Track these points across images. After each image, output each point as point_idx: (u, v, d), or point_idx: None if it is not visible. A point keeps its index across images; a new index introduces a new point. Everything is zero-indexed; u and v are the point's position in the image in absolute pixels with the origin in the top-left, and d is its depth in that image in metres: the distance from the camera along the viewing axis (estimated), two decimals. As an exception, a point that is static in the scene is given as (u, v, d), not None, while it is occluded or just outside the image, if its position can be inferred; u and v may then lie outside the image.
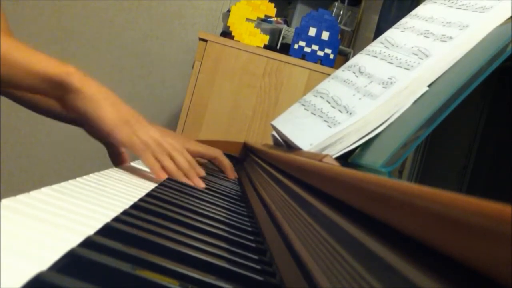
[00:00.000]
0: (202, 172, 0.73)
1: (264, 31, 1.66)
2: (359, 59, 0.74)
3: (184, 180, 0.68)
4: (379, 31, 1.44)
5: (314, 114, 0.70)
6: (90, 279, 0.24)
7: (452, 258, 0.15)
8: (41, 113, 0.88)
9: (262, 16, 1.66)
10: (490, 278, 0.13)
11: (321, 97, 0.73)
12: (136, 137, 0.66)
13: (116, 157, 0.81)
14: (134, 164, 0.80)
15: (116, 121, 0.66)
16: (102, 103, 0.65)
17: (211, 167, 0.98)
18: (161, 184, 0.61)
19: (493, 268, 0.13)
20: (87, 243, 0.29)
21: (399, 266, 0.19)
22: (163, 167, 0.67)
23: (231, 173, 0.95)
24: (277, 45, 1.73)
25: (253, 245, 0.41)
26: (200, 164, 0.93)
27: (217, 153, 0.96)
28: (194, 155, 0.93)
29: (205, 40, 1.55)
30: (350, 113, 0.63)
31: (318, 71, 1.56)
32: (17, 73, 0.64)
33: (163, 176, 0.66)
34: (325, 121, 0.66)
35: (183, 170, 0.69)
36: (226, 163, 0.95)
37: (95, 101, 0.65)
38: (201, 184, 0.70)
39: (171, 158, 0.69)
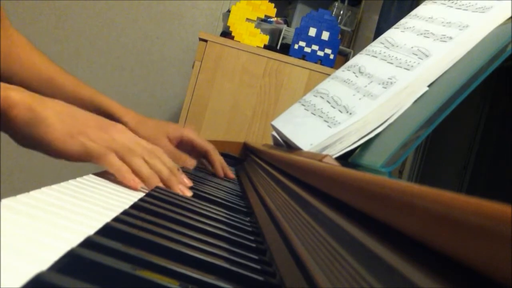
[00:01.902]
0: (187, 182, 0.63)
1: (264, 31, 1.66)
2: (359, 59, 0.74)
3: (160, 185, 0.59)
4: (379, 31, 1.44)
5: (314, 114, 0.70)
6: (90, 279, 0.24)
7: (452, 258, 0.15)
8: None
9: (262, 16, 1.66)
10: (490, 278, 0.13)
11: (321, 97, 0.73)
12: (92, 142, 0.56)
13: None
14: None
15: (66, 135, 0.56)
16: (49, 120, 0.56)
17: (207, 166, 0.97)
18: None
19: (493, 268, 0.13)
20: (87, 243, 0.29)
21: (399, 266, 0.19)
22: (134, 172, 0.57)
23: (219, 170, 0.88)
24: (277, 45, 1.73)
25: (253, 245, 0.41)
26: (200, 166, 0.92)
27: (209, 147, 0.90)
28: (186, 142, 0.89)
29: (205, 40, 1.55)
30: (350, 113, 0.63)
31: (318, 71, 1.56)
32: None
33: (135, 183, 0.55)
34: (325, 121, 0.66)
35: (162, 176, 0.60)
36: (216, 158, 0.89)
37: (40, 120, 0.56)
38: (187, 193, 0.60)
39: (146, 163, 0.59)
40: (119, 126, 0.61)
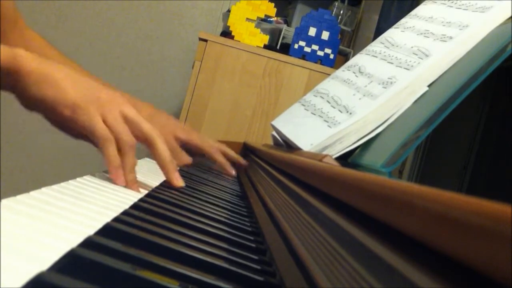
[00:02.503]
0: (187, 159, 0.61)
1: (264, 31, 1.66)
2: (359, 59, 0.74)
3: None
4: (379, 31, 1.44)
5: (314, 114, 0.70)
6: (90, 279, 0.24)
7: (452, 258, 0.15)
8: None
9: (262, 16, 1.66)
10: (490, 278, 0.13)
11: (321, 97, 0.73)
12: (99, 119, 0.54)
13: None
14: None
15: (77, 100, 0.54)
16: (61, 82, 0.54)
17: (209, 166, 0.97)
18: (161, 184, 0.61)
19: (493, 268, 0.13)
20: (87, 243, 0.29)
21: (399, 266, 0.19)
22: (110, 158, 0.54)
23: (229, 170, 0.91)
24: (277, 45, 1.73)
25: (253, 245, 0.41)
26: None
27: (210, 150, 0.88)
28: (195, 148, 0.90)
29: (205, 40, 1.55)
30: (350, 113, 0.63)
31: (318, 71, 1.56)
32: None
33: (121, 182, 0.53)
34: (325, 121, 0.66)
35: (162, 161, 0.59)
36: (223, 162, 0.90)
37: (52, 82, 0.54)
38: (179, 183, 0.59)
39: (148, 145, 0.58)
40: (125, 97, 0.59)
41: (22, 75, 0.54)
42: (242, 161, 0.95)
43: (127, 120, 0.56)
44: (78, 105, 0.54)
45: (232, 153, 0.94)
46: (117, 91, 0.61)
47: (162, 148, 0.59)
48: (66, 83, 0.54)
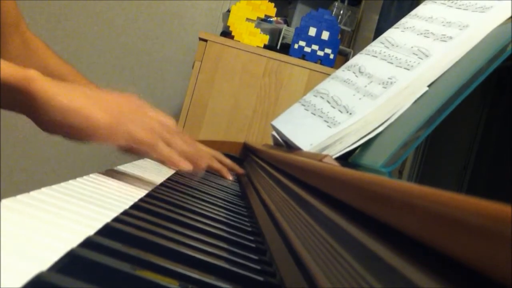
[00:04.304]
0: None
1: (264, 31, 1.66)
2: (359, 59, 0.74)
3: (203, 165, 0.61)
4: (379, 31, 1.44)
5: (314, 114, 0.70)
6: (90, 279, 0.24)
7: (452, 258, 0.15)
8: None
9: (262, 16, 1.66)
10: (490, 278, 0.13)
11: (321, 97, 0.73)
12: (139, 132, 0.56)
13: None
14: (136, 163, 0.80)
15: (107, 127, 0.54)
16: (86, 109, 0.53)
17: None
18: (161, 184, 0.61)
19: (493, 268, 0.13)
20: (87, 243, 0.29)
21: (399, 266, 0.19)
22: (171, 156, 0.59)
23: (227, 175, 0.88)
24: (277, 45, 1.73)
25: (253, 245, 0.41)
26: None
27: (218, 168, 0.84)
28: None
29: (205, 40, 1.55)
30: (350, 113, 0.63)
31: (318, 71, 1.56)
32: None
33: (188, 165, 0.58)
34: (325, 121, 0.66)
35: (187, 157, 0.61)
36: (218, 167, 0.87)
37: (75, 109, 0.53)
38: (186, 166, 0.61)
39: (169, 144, 0.60)
40: (141, 102, 0.61)
41: (37, 99, 0.52)
42: (238, 169, 0.92)
43: (156, 125, 0.59)
44: (111, 132, 0.54)
45: (227, 161, 0.91)
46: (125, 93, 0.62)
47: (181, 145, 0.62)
48: (91, 108, 0.54)
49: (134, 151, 0.59)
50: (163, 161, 0.57)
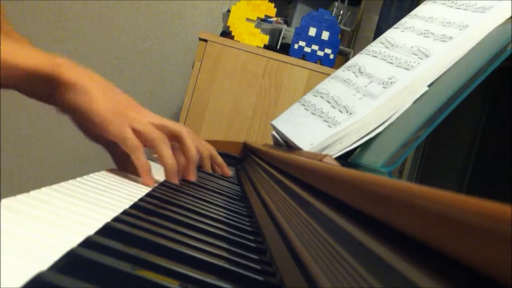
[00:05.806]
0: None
1: (264, 31, 1.66)
2: (359, 59, 0.74)
3: (176, 180, 0.62)
4: (379, 31, 1.44)
5: (314, 114, 0.70)
6: (90, 279, 0.24)
7: (452, 258, 0.15)
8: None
9: (262, 16, 1.66)
10: (490, 278, 0.13)
11: (321, 97, 0.73)
12: (130, 130, 0.58)
13: (120, 160, 0.65)
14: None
15: (108, 112, 0.57)
16: (94, 93, 0.57)
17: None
18: (161, 184, 0.61)
19: (493, 268, 0.13)
20: (87, 243, 0.29)
21: (399, 266, 0.19)
22: (160, 158, 0.60)
23: (225, 171, 0.88)
24: (277, 45, 1.73)
25: (253, 245, 0.41)
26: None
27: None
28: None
29: (205, 40, 1.55)
30: (350, 113, 0.63)
31: (318, 71, 1.56)
32: None
33: (150, 182, 0.58)
34: (325, 121, 0.66)
35: (190, 156, 0.64)
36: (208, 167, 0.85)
37: (86, 92, 0.57)
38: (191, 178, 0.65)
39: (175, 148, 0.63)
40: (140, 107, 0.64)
41: (61, 83, 0.56)
42: (226, 170, 0.90)
43: (154, 125, 0.61)
44: (107, 116, 0.57)
45: (218, 159, 0.90)
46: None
47: (190, 143, 0.64)
48: (98, 93, 0.58)
49: (116, 150, 0.62)
50: (137, 169, 0.58)
